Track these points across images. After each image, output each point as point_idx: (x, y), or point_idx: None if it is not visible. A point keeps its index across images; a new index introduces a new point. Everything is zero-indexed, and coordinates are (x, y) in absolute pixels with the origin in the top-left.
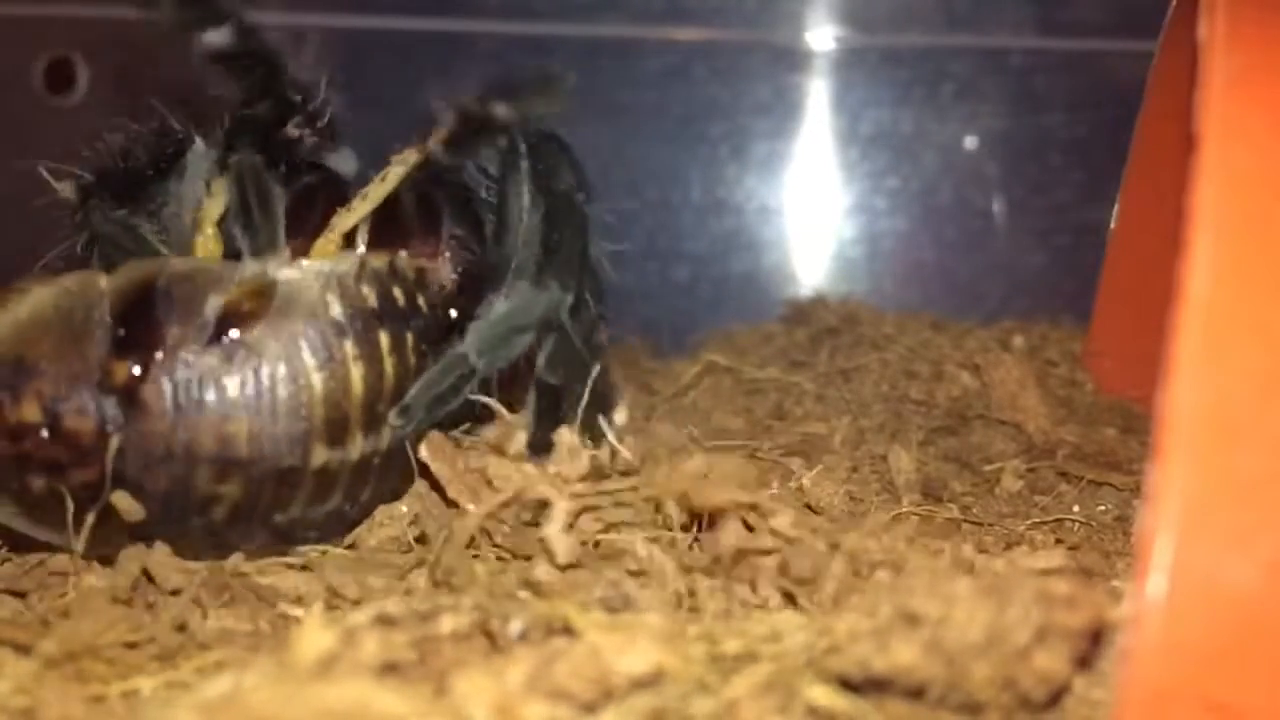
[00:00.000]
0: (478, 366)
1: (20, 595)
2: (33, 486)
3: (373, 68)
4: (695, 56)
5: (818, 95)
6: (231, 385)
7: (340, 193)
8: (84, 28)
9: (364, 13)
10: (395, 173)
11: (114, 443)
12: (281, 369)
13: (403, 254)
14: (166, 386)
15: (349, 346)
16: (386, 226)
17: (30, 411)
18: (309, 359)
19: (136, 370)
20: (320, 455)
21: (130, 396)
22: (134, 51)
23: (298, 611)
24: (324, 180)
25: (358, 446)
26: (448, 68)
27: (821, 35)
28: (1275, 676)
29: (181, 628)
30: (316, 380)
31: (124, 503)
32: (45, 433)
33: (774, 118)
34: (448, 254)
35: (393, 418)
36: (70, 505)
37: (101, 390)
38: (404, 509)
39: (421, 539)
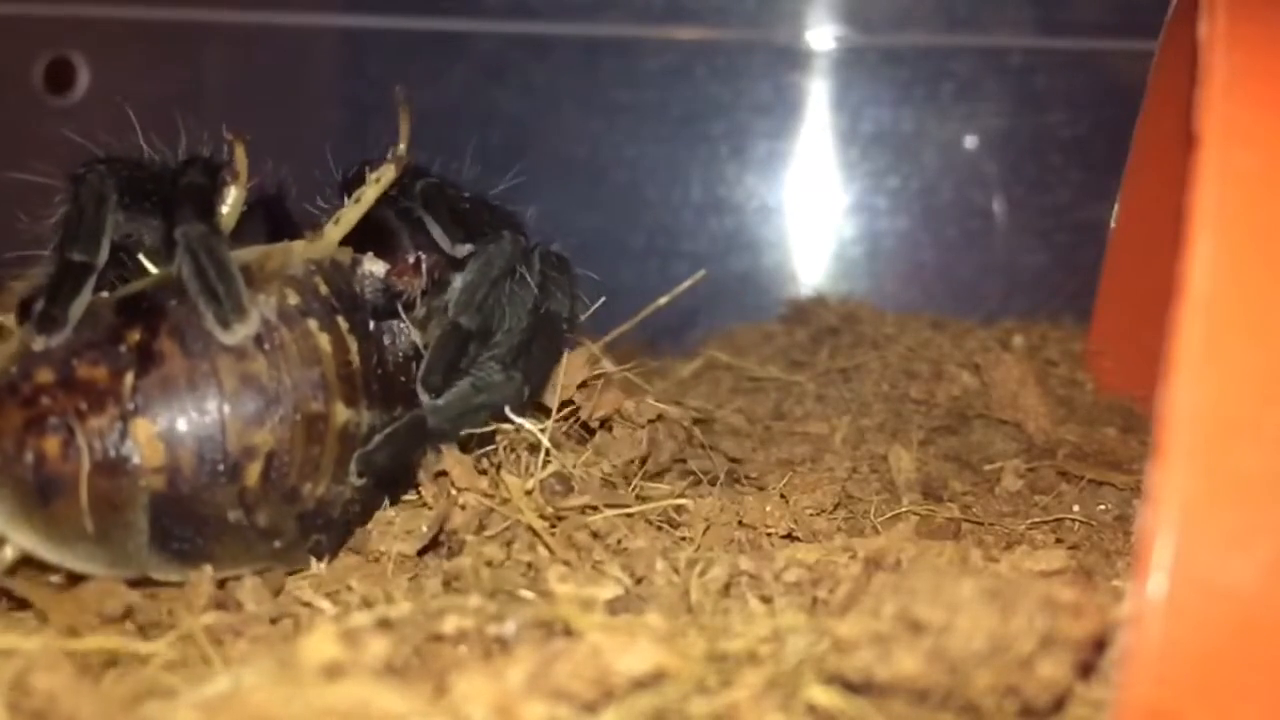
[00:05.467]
0: (470, 327)
1: None
2: (48, 457)
3: (373, 68)
4: (695, 56)
5: (818, 95)
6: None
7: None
8: (84, 28)
9: (364, 13)
10: (371, 193)
11: (129, 380)
12: (288, 324)
13: (370, 255)
14: (179, 336)
15: (342, 321)
16: (363, 241)
17: (44, 375)
18: (312, 322)
19: (148, 328)
20: (340, 413)
21: (145, 349)
22: (134, 51)
23: (314, 607)
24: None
25: (365, 417)
26: (448, 68)
27: (821, 35)
28: (1275, 676)
29: (209, 629)
30: (323, 340)
31: (144, 433)
32: (60, 390)
33: (774, 117)
34: (418, 264)
35: (420, 388)
36: (87, 463)
37: (114, 344)
38: (425, 511)
39: (436, 542)
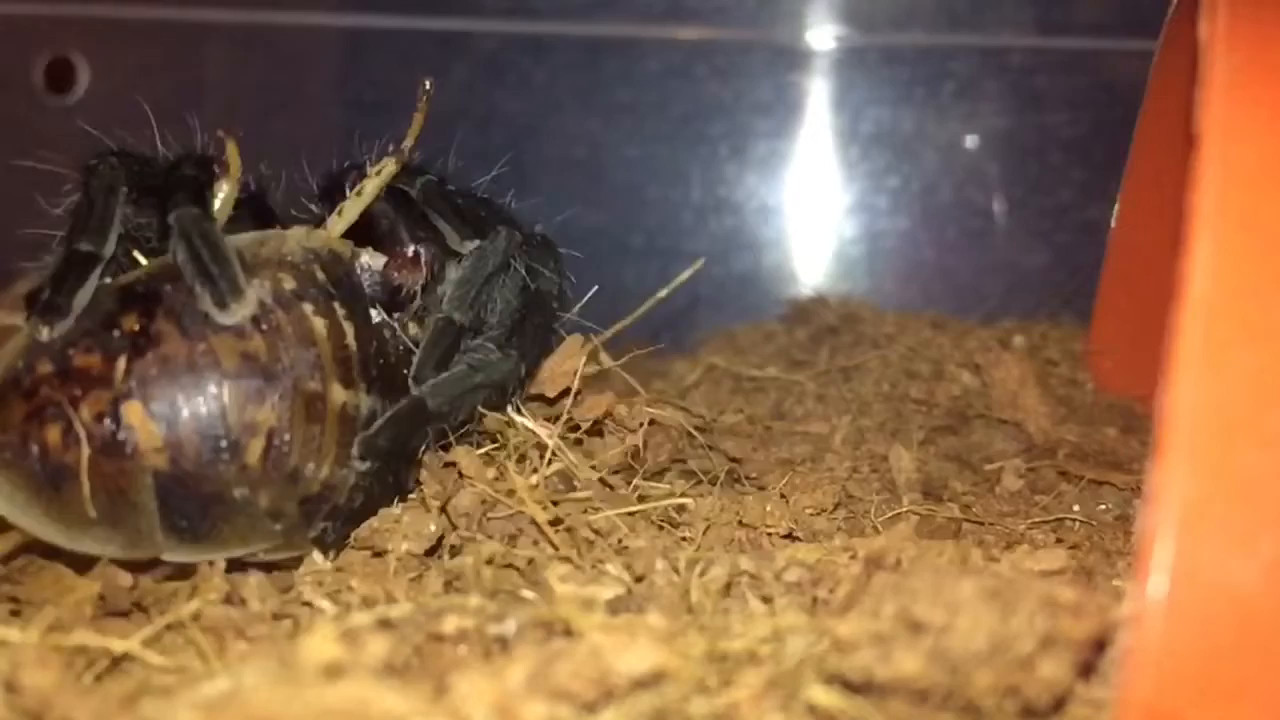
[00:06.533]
0: (463, 321)
1: None
2: (50, 446)
3: (373, 68)
4: (696, 55)
5: (818, 94)
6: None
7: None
8: (84, 28)
9: (364, 13)
10: (372, 185)
11: (122, 364)
12: (283, 306)
13: (369, 249)
14: (175, 319)
15: (339, 307)
16: (362, 234)
17: (44, 366)
18: (307, 305)
19: (144, 313)
20: (338, 393)
21: (140, 333)
22: (134, 51)
23: (315, 606)
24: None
25: (364, 401)
26: (448, 68)
27: (822, 34)
28: (1275, 676)
29: (196, 616)
30: (318, 323)
31: (139, 415)
32: (58, 379)
33: (774, 117)
34: (417, 258)
35: (412, 384)
36: (87, 449)
37: (109, 330)
38: (429, 510)
39: (441, 543)
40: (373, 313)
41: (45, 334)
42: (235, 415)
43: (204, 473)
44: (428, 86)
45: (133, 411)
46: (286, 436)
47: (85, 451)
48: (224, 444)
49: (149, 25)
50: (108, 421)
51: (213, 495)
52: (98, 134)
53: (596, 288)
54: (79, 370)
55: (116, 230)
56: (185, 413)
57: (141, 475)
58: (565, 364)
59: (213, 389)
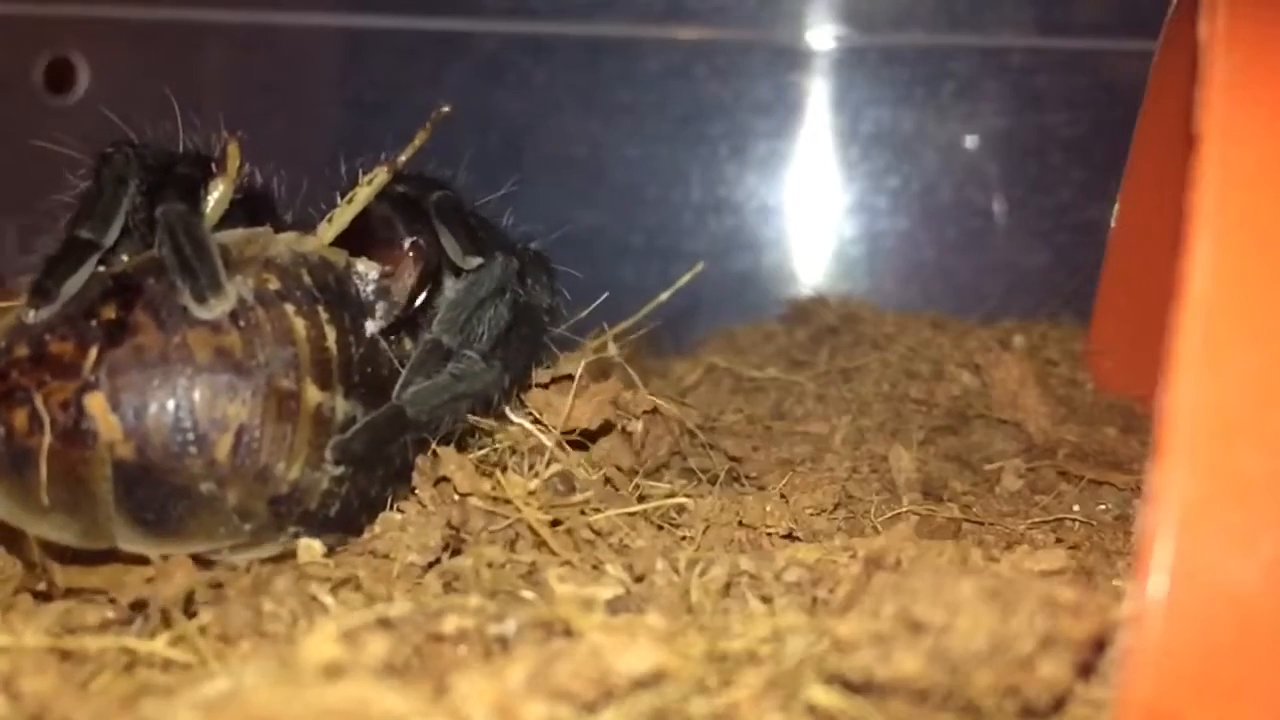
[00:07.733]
0: (451, 345)
1: None
2: (15, 429)
3: (373, 68)
4: (696, 56)
5: (818, 94)
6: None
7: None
8: (84, 28)
9: (364, 13)
10: (363, 194)
11: (93, 354)
12: (265, 305)
13: (364, 258)
14: (153, 310)
15: (322, 311)
16: (353, 236)
17: (20, 349)
18: (289, 306)
19: (123, 304)
20: (313, 394)
21: (116, 323)
22: (134, 51)
23: (319, 601)
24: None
25: (341, 405)
26: (448, 68)
27: (822, 34)
28: (1275, 676)
29: (193, 612)
30: (299, 324)
31: (102, 405)
32: (30, 364)
33: (774, 117)
34: (417, 248)
35: (395, 398)
36: (48, 435)
37: (86, 319)
38: (431, 509)
39: (446, 545)
40: (368, 324)
41: (31, 316)
42: (205, 409)
43: (171, 465)
44: (444, 110)
45: (95, 403)
46: (257, 433)
47: (47, 439)
48: (192, 437)
49: (149, 25)
50: (71, 410)
51: (179, 488)
52: (121, 125)
53: (606, 294)
54: (52, 357)
55: (121, 221)
56: (154, 404)
57: (100, 466)
58: (571, 368)
59: (184, 382)
